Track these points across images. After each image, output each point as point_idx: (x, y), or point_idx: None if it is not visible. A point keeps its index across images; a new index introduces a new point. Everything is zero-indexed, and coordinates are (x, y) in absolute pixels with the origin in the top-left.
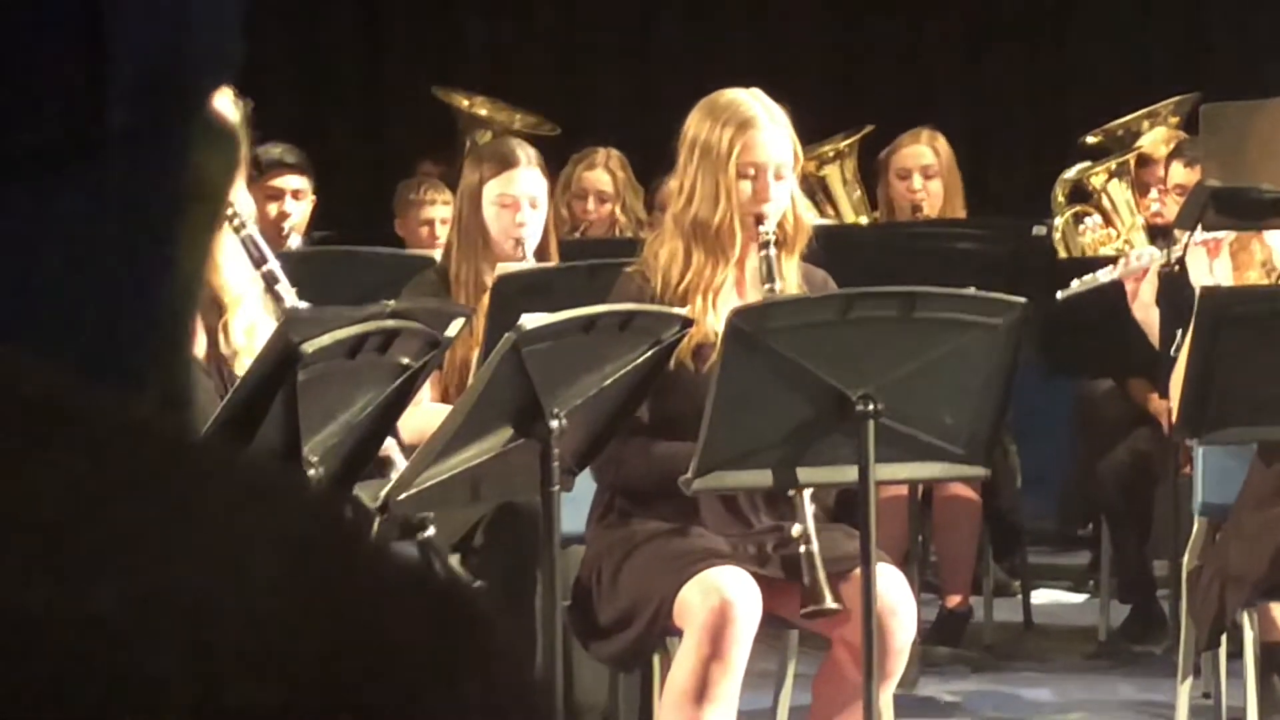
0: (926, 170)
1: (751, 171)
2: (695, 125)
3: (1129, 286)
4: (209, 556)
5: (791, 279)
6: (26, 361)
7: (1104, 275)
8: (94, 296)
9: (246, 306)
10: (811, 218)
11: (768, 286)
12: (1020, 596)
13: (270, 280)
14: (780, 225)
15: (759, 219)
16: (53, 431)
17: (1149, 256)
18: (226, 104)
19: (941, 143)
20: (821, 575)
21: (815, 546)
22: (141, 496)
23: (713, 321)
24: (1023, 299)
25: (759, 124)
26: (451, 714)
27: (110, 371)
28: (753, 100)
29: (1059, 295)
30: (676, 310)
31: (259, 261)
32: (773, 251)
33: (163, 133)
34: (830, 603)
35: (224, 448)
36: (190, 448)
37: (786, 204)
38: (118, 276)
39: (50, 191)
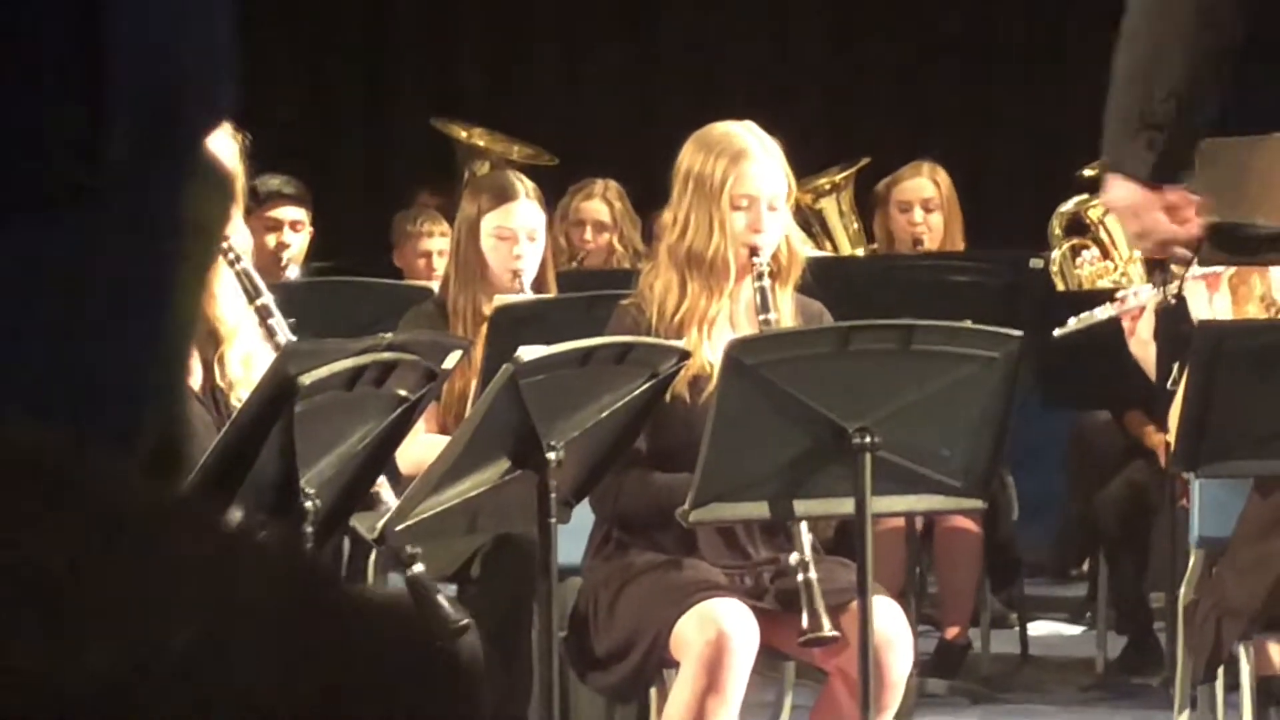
0: (927, 203)
1: (745, 203)
2: (689, 158)
3: (1126, 324)
4: (200, 614)
5: (786, 310)
6: (23, 425)
7: (1101, 313)
8: (90, 334)
9: (243, 338)
10: (807, 250)
11: (763, 318)
12: (1018, 628)
13: (264, 315)
14: (775, 257)
15: (753, 251)
16: (49, 496)
17: (1146, 294)
18: (223, 137)
19: (942, 176)
20: (820, 603)
21: (813, 575)
22: (135, 558)
23: (708, 353)
24: (1019, 332)
25: (752, 156)
26: None
27: (107, 409)
28: (745, 132)
29: (1056, 333)
30: (674, 343)
31: (253, 296)
32: (767, 283)
33: (158, 173)
34: (829, 630)
35: (214, 506)
36: (182, 508)
37: (780, 235)
38: (113, 315)
39: (47, 230)
